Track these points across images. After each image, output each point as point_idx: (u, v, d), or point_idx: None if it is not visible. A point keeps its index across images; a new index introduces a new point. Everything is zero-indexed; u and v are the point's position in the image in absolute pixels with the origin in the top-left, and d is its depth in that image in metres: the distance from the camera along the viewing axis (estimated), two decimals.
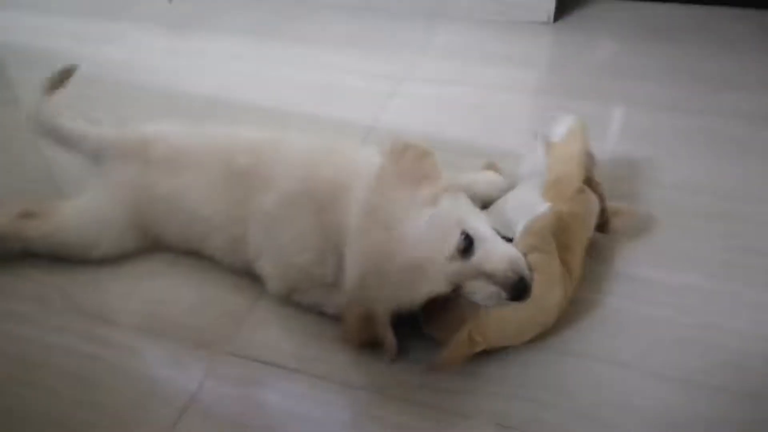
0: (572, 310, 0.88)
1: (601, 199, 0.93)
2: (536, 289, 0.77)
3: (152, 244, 1.02)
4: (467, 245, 0.76)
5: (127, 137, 1.04)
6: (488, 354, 0.82)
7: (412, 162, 0.81)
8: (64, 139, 1.07)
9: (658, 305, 0.89)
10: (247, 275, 0.96)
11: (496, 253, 0.76)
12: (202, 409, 0.79)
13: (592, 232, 0.93)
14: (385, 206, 0.78)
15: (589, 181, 0.92)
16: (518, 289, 0.75)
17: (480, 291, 0.76)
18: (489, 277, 0.75)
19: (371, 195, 0.80)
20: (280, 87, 1.52)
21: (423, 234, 0.76)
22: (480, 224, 0.79)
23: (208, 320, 0.91)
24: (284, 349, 0.86)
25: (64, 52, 1.76)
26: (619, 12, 1.85)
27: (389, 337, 0.80)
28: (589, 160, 0.94)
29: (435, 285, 0.75)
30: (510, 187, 0.96)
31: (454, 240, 0.75)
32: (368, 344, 0.82)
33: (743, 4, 1.80)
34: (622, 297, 0.91)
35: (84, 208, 1.01)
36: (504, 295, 0.75)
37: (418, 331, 0.85)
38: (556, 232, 0.84)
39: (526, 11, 1.80)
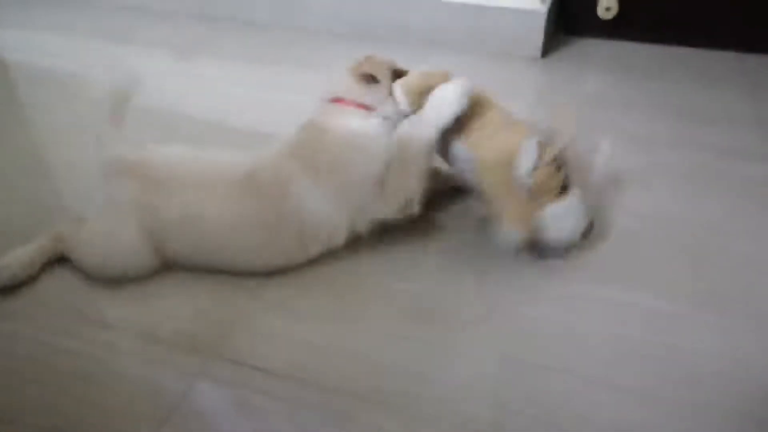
0: (541, 329, 0.94)
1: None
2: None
3: (169, 261, 1.05)
4: None
5: (125, 158, 1.08)
6: (459, 361, 0.89)
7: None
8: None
9: (624, 325, 0.95)
10: (238, 286, 1.02)
11: None
12: (190, 412, 0.84)
13: None
14: None
15: None
16: None
17: None
18: None
19: None
20: (280, 112, 1.58)
21: None
22: None
23: (201, 327, 0.96)
24: (273, 355, 0.91)
25: (72, 73, 1.84)
26: (605, 50, 1.93)
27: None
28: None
29: None
30: None
31: None
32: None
33: (722, 47, 1.89)
34: (589, 316, 0.97)
35: (96, 230, 1.04)
36: None
37: (395, 335, 0.91)
38: None
39: (516, 46, 1.88)
